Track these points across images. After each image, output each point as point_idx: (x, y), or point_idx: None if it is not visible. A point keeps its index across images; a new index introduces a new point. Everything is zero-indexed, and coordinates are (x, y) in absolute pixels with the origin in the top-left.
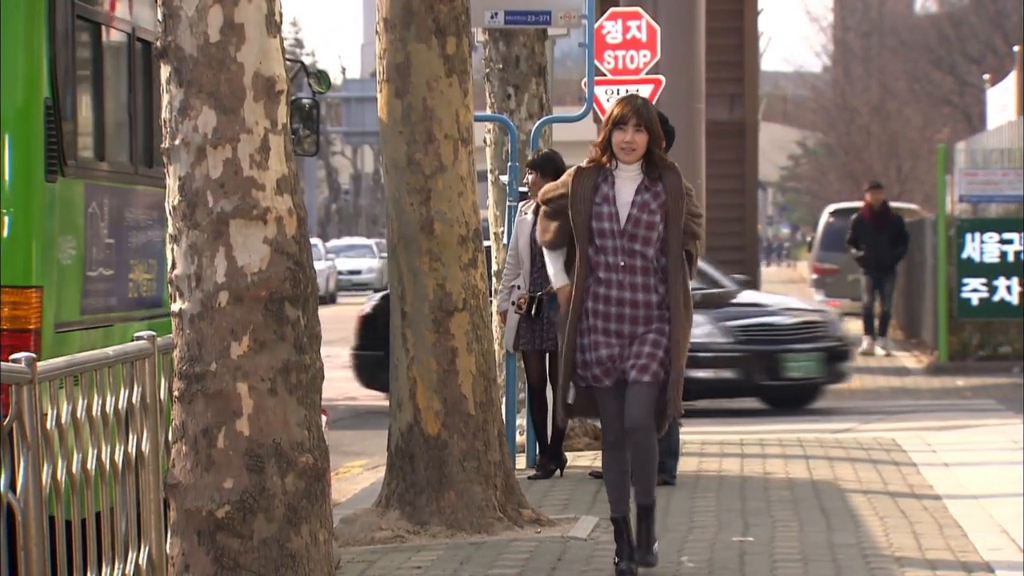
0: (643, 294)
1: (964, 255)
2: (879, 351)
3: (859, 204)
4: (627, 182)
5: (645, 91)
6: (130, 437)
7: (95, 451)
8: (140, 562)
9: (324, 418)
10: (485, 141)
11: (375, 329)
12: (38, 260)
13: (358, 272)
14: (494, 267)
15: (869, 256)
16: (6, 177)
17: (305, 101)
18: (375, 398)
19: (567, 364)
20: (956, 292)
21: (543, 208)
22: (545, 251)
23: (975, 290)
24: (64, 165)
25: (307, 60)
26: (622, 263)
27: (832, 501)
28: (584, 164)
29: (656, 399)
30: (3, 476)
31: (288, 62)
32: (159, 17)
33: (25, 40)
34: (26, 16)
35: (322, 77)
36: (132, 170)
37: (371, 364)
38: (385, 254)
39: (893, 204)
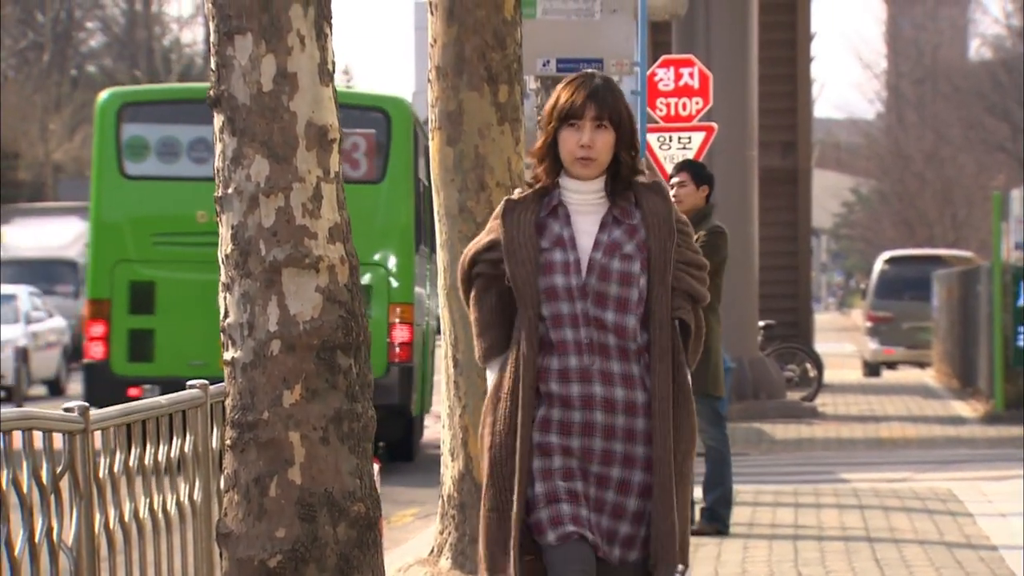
0: (622, 389)
1: (1020, 303)
2: None
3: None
4: (585, 212)
5: (697, 139)
6: (182, 486)
7: (147, 500)
8: None
9: (376, 466)
10: None
11: None
12: (411, 288)
13: None
14: None
15: None
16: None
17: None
18: (425, 446)
19: (517, 523)
20: (1012, 340)
21: (472, 285)
22: (486, 367)
23: None
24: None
25: None
26: (586, 340)
27: (887, 552)
28: (514, 195)
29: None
30: (55, 526)
31: None
32: (212, 67)
33: (404, 189)
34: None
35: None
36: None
37: None
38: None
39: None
